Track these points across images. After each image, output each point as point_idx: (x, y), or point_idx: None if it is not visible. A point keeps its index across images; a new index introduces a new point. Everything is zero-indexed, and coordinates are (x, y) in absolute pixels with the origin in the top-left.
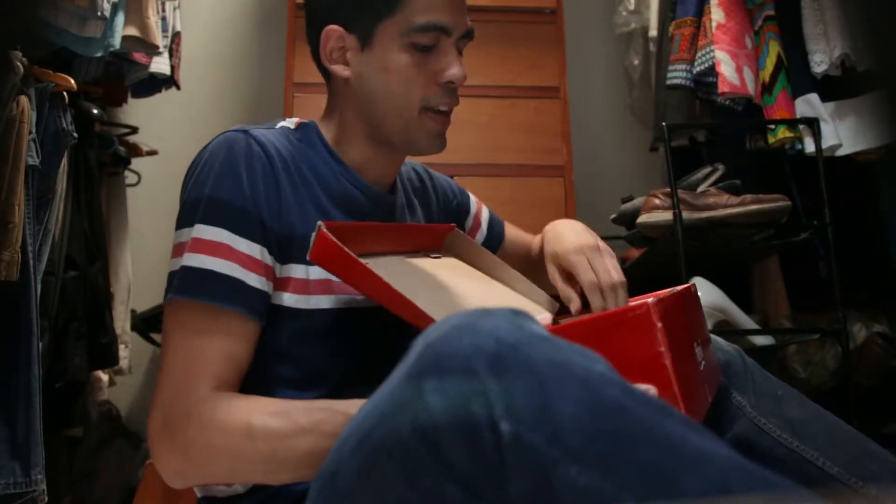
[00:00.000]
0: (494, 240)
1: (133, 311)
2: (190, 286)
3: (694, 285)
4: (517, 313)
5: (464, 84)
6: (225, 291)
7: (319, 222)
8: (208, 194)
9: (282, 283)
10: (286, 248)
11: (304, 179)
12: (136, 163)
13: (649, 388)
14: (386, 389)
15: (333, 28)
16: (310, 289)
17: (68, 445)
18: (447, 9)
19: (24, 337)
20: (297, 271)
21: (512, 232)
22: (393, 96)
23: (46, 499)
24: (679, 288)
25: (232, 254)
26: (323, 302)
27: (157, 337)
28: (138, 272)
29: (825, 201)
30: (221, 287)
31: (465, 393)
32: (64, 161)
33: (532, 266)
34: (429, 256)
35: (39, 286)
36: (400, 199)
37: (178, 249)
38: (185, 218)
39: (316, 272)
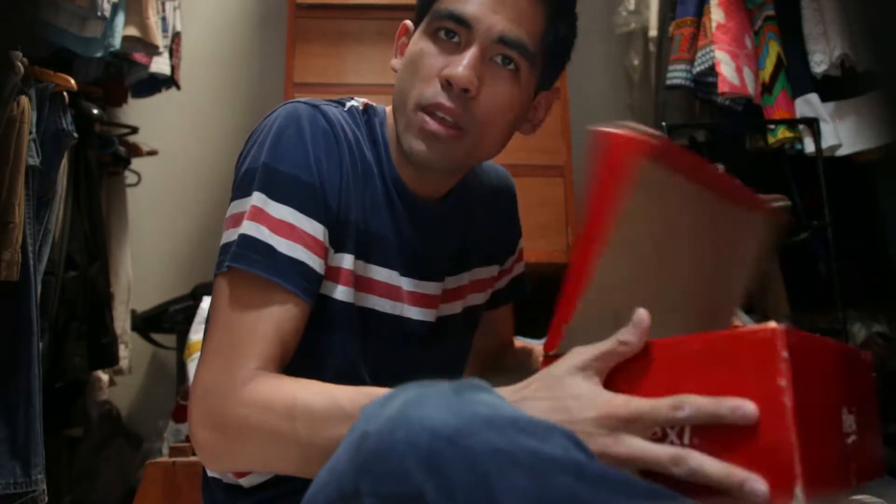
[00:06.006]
0: (505, 297)
1: (133, 311)
2: (249, 257)
3: (871, 354)
4: (459, 388)
5: (468, 90)
6: (285, 270)
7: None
8: (272, 165)
9: (333, 273)
10: (341, 233)
11: (366, 166)
12: (136, 163)
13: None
14: (335, 469)
15: (407, 22)
16: (359, 284)
17: (68, 445)
18: (476, 1)
19: (24, 337)
20: (348, 262)
21: (508, 312)
22: (400, 86)
23: (46, 499)
24: (847, 347)
25: (294, 233)
26: (371, 301)
27: (157, 337)
28: (138, 272)
29: (825, 201)
30: (281, 265)
31: (402, 497)
32: (64, 161)
33: (491, 361)
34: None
35: (39, 286)
36: (456, 211)
37: (235, 220)
38: (244, 187)
39: (366, 268)
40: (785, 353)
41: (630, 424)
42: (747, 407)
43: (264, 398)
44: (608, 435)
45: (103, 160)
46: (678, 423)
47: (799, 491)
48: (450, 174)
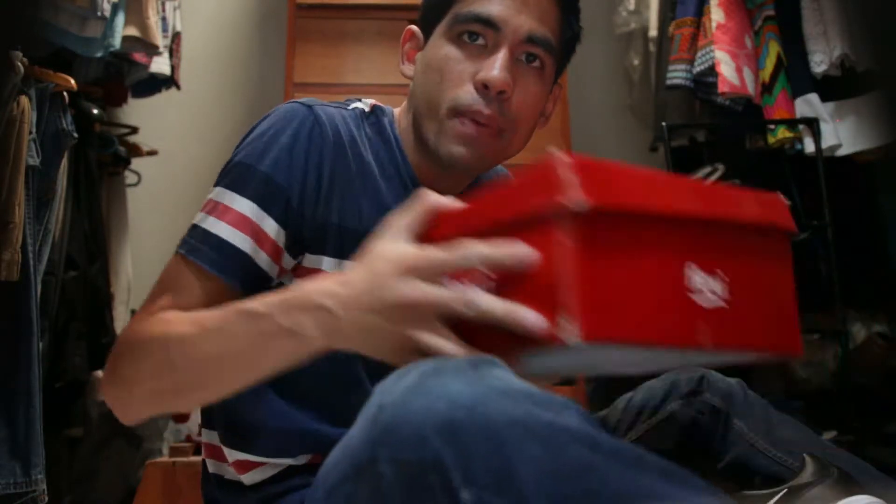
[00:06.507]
0: None
1: (133, 311)
2: (202, 252)
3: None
4: (475, 362)
5: (504, 91)
6: (230, 264)
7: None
8: (250, 163)
9: (310, 275)
10: (317, 236)
11: (363, 166)
12: (136, 163)
13: (525, 254)
14: (348, 446)
15: (412, 27)
16: None
17: (68, 445)
18: (500, 3)
19: (24, 337)
20: (328, 264)
21: None
22: (427, 92)
23: (46, 499)
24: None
25: (251, 227)
26: None
27: None
28: (138, 272)
29: (825, 201)
30: (230, 260)
31: (419, 463)
32: (64, 161)
33: None
34: None
35: (39, 286)
36: None
37: (211, 206)
38: (227, 179)
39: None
40: (571, 174)
41: (424, 273)
42: (521, 251)
43: (142, 337)
44: (406, 284)
45: (103, 160)
46: (468, 268)
47: (565, 322)
48: (474, 175)
